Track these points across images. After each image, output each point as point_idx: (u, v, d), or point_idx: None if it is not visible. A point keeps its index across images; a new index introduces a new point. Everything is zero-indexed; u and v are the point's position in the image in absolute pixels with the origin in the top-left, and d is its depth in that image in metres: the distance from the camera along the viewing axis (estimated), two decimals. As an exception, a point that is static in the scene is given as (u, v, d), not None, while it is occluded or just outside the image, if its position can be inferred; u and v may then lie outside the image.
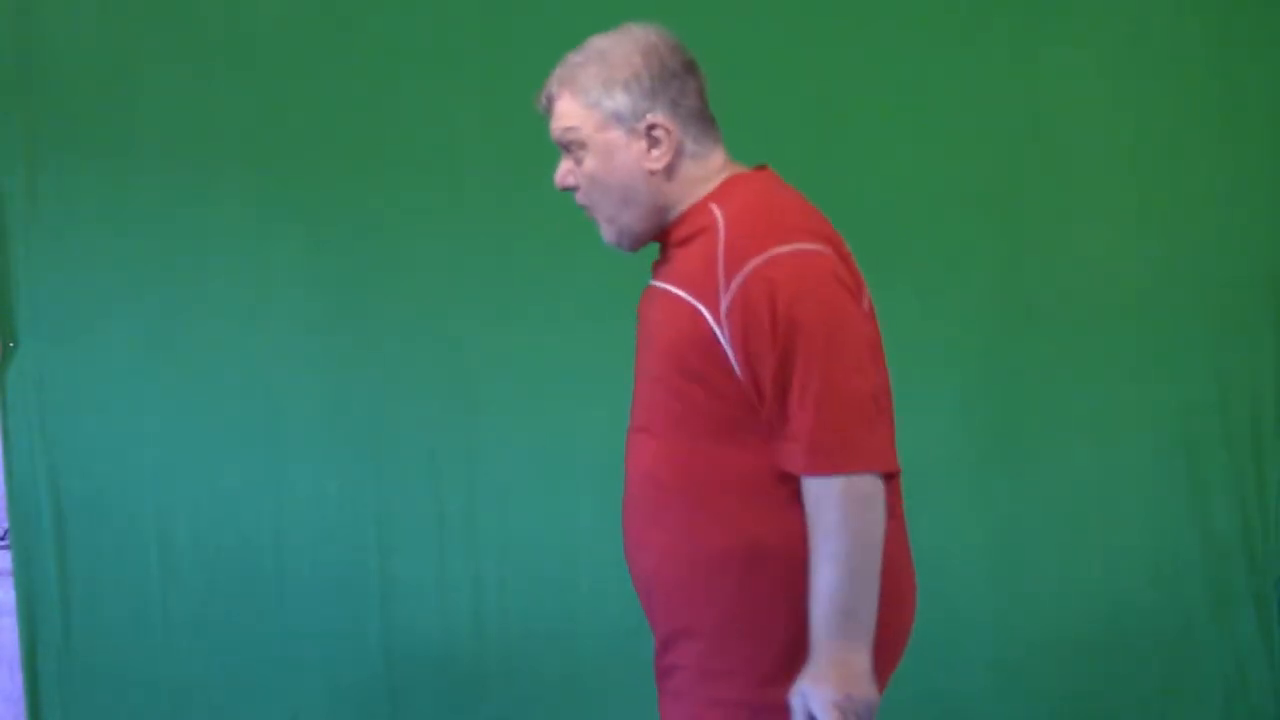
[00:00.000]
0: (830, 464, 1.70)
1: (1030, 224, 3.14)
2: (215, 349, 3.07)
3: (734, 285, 1.72)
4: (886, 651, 1.80)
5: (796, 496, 1.75)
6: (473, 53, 3.07)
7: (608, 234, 1.90)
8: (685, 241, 1.84)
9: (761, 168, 1.93)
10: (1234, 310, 3.13)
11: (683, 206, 1.85)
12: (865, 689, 1.71)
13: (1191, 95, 3.11)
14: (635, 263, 1.99)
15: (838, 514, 1.69)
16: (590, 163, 1.85)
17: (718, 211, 1.81)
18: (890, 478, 1.76)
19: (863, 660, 1.70)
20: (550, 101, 1.87)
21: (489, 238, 3.05)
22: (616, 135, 1.83)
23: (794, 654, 1.75)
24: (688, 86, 1.85)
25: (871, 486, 1.71)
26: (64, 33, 3.03)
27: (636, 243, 1.90)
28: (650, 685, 1.99)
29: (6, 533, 3.12)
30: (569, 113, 1.84)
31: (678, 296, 1.79)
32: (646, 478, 1.87)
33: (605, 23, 3.03)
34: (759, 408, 1.75)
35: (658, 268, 1.91)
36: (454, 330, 3.10)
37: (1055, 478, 3.14)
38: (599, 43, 1.86)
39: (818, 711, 1.69)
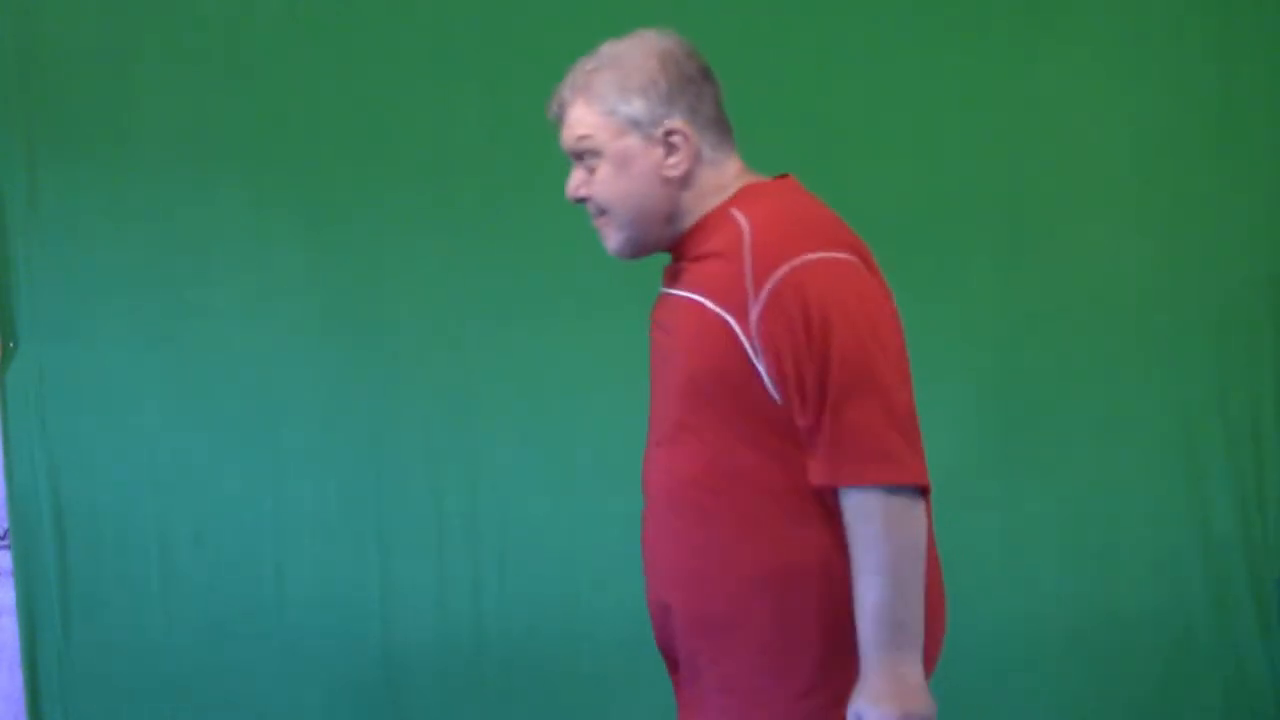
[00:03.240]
0: (868, 474, 1.65)
1: (1030, 224, 3.14)
2: (215, 349, 3.08)
3: (764, 293, 1.66)
4: (928, 664, 1.76)
5: (828, 509, 1.70)
6: (472, 53, 3.07)
7: (614, 242, 1.84)
8: (706, 248, 1.78)
9: (784, 177, 1.87)
10: (1234, 310, 3.13)
11: (697, 214, 1.80)
12: (922, 702, 1.66)
13: (1191, 95, 3.11)
14: (635, 262, 1.98)
15: (881, 524, 1.64)
16: (605, 171, 1.79)
17: (742, 219, 1.74)
18: (926, 492, 1.72)
19: (916, 672, 1.65)
20: (563, 109, 1.82)
21: (489, 238, 3.05)
22: (633, 142, 1.77)
23: (829, 668, 1.72)
24: (704, 92, 1.80)
25: (911, 498, 1.67)
26: (64, 33, 3.03)
27: (642, 252, 1.85)
28: (650, 685, 1.99)
29: (6, 533, 3.12)
30: (583, 120, 1.79)
31: (702, 305, 1.72)
32: (670, 496, 1.81)
33: (604, 23, 3.03)
34: (793, 419, 1.69)
35: (674, 275, 1.85)
36: (454, 330, 3.10)
37: (1056, 478, 3.14)
38: (613, 48, 1.81)
39: None
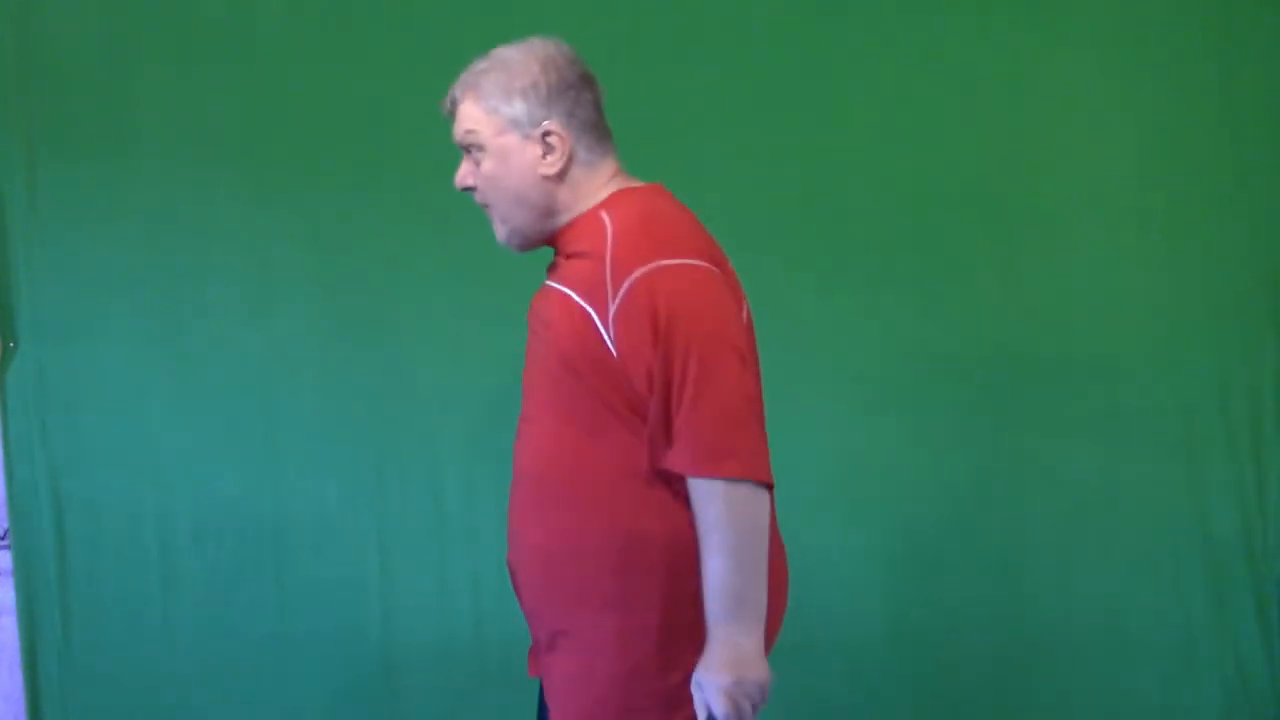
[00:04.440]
0: (711, 467, 1.77)
1: (1030, 223, 3.14)
2: (215, 349, 3.08)
3: (621, 291, 1.81)
4: (769, 638, 1.88)
5: (675, 492, 1.84)
6: (472, 53, 3.06)
7: (500, 233, 2.01)
8: (576, 247, 1.92)
9: (655, 184, 1.99)
10: (1234, 310, 3.13)
11: (573, 212, 1.95)
12: (756, 670, 1.78)
13: (1191, 95, 3.11)
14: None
15: (723, 507, 1.77)
16: (488, 165, 1.95)
17: (607, 220, 1.89)
18: (767, 487, 1.82)
19: (753, 642, 1.78)
20: (454, 105, 1.98)
21: (489, 237, 3.04)
22: (513, 140, 1.93)
23: (668, 642, 1.85)
24: (583, 98, 1.95)
25: (752, 488, 1.79)
26: (64, 33, 3.03)
27: (526, 243, 2.01)
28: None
29: (6, 533, 3.12)
30: (470, 116, 1.95)
31: (569, 297, 1.87)
32: (528, 471, 1.96)
33: (604, 23, 3.06)
34: (642, 408, 1.83)
35: (552, 270, 1.99)
36: (454, 330, 3.10)
37: (1055, 478, 3.14)
38: (502, 52, 1.97)
39: (710, 699, 1.76)
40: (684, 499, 1.82)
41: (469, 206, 3.04)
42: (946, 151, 3.10)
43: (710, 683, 1.77)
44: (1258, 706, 3.14)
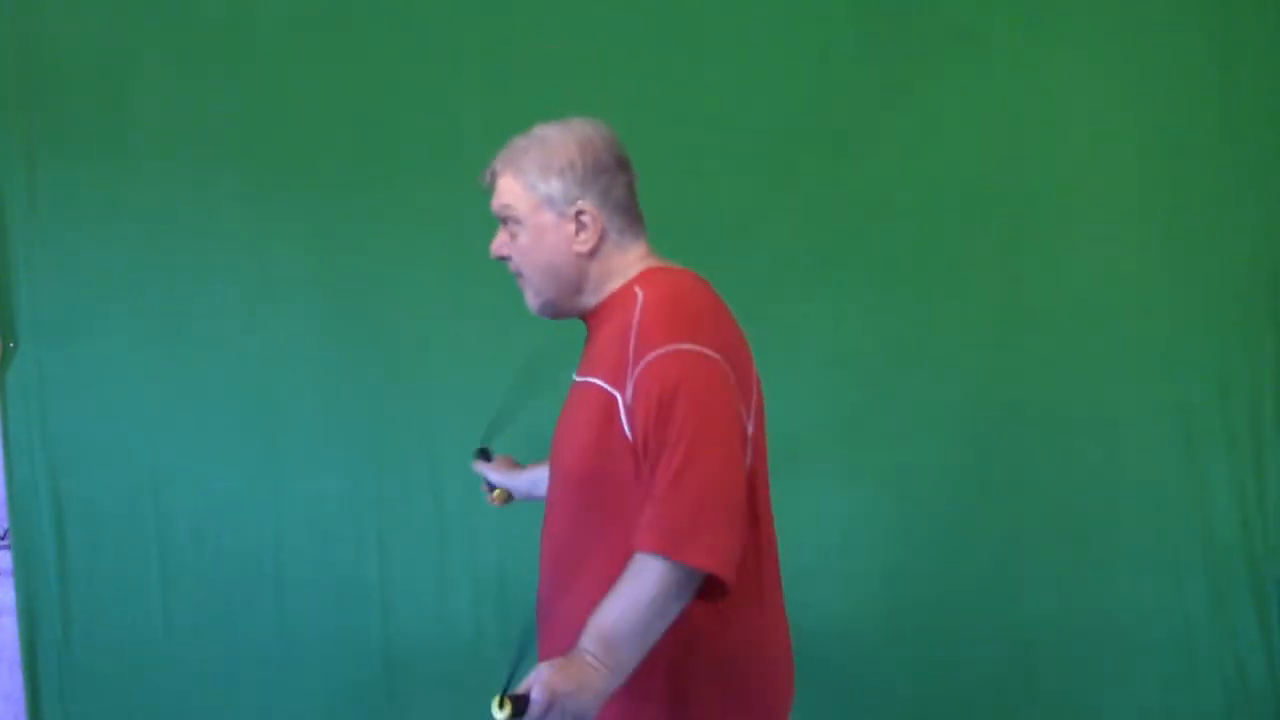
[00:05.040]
0: (662, 545, 1.76)
1: (1030, 224, 3.14)
2: (215, 349, 3.08)
3: (638, 370, 1.84)
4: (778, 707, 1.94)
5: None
6: (473, 53, 3.07)
7: (533, 303, 2.05)
8: (608, 314, 1.97)
9: (688, 269, 2.02)
10: (1234, 310, 3.13)
11: (603, 288, 1.99)
12: (587, 702, 1.76)
13: (1191, 95, 3.11)
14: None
15: (653, 582, 1.76)
16: (523, 238, 2.00)
17: (640, 295, 1.93)
18: (716, 584, 1.80)
19: (598, 683, 1.76)
20: (493, 178, 2.04)
21: (489, 237, 3.03)
22: (548, 217, 1.98)
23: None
24: (617, 180, 1.99)
25: (687, 583, 1.77)
26: (64, 33, 3.03)
27: (557, 314, 2.05)
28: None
29: (6, 533, 3.12)
30: (508, 191, 2.01)
31: (598, 387, 1.91)
32: (555, 552, 2.02)
33: (604, 26, 3.06)
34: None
35: (583, 354, 2.04)
36: (454, 330, 3.10)
37: (1055, 478, 3.14)
38: (542, 130, 2.01)
39: (535, 689, 1.75)
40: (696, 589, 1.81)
41: (469, 207, 3.07)
42: (946, 151, 3.10)
43: (549, 673, 1.76)
44: (1258, 706, 3.14)
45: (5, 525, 3.14)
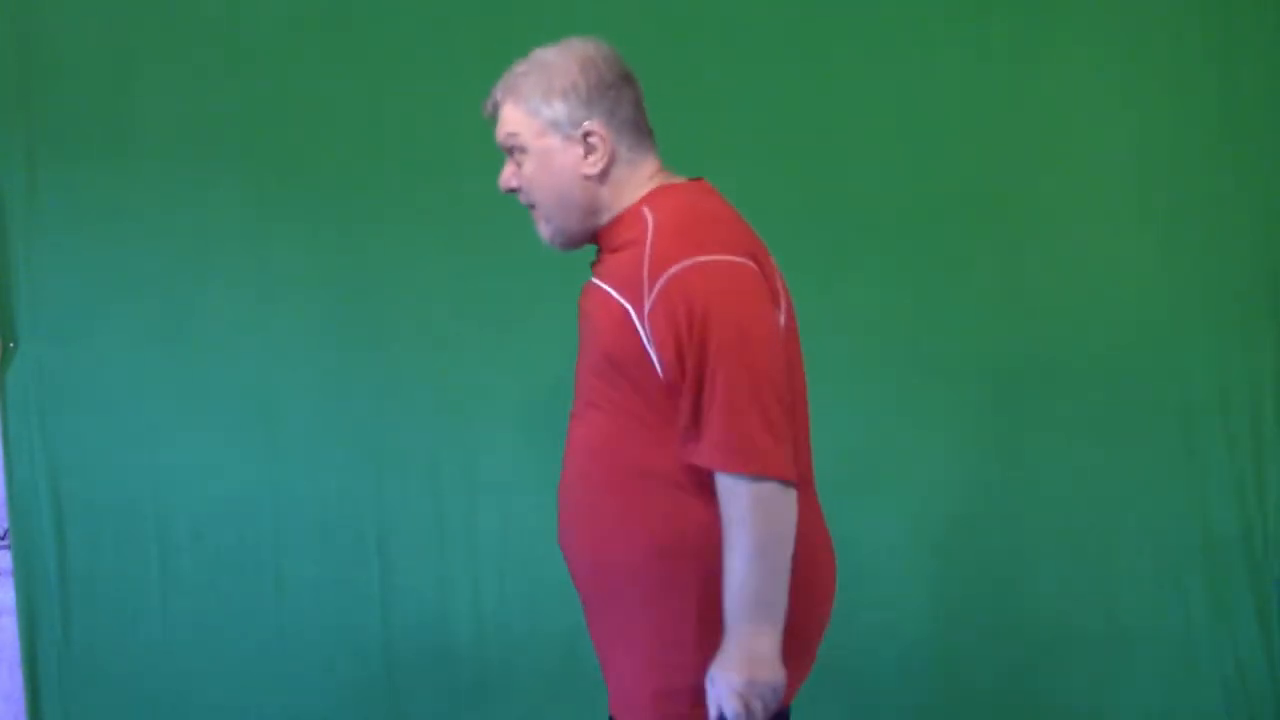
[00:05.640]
0: (736, 463, 1.79)
1: (1030, 224, 3.14)
2: (215, 349, 3.08)
3: (656, 288, 1.82)
4: (798, 639, 1.89)
5: (711, 488, 1.84)
6: (473, 53, 3.06)
7: (544, 232, 2.01)
8: (618, 241, 1.94)
9: (697, 180, 2.00)
10: (1234, 310, 3.13)
11: (616, 209, 1.96)
12: (770, 672, 1.80)
13: (1191, 95, 3.11)
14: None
15: (746, 508, 1.79)
16: (530, 167, 1.96)
17: (649, 215, 1.91)
18: (791, 485, 1.83)
19: (769, 644, 1.79)
20: (495, 108, 1.99)
21: (489, 237, 3.05)
22: (554, 141, 1.94)
23: (703, 636, 1.86)
24: (623, 97, 1.95)
25: (777, 487, 1.80)
26: (64, 33, 3.03)
27: (571, 242, 2.01)
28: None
29: (6, 533, 3.12)
30: (511, 119, 1.96)
31: (609, 294, 1.89)
32: (577, 465, 2.00)
33: (604, 23, 3.05)
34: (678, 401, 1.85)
35: (595, 267, 2.01)
36: (454, 330, 3.10)
37: (1055, 478, 3.14)
38: (541, 54, 1.97)
39: (722, 698, 1.78)
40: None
41: (469, 207, 3.08)
42: (946, 151, 3.10)
43: (724, 680, 1.79)
44: (1258, 706, 3.14)
45: (5, 525, 3.14)
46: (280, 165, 3.06)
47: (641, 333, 1.84)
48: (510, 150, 1.99)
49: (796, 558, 1.84)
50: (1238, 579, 3.14)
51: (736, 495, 1.79)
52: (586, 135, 1.92)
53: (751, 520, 1.78)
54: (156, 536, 3.09)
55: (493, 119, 2.00)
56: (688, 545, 1.87)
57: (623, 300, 1.86)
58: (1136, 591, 3.14)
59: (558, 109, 1.92)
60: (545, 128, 1.93)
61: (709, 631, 1.86)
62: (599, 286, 1.94)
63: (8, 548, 3.11)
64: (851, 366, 3.08)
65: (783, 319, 1.92)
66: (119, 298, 3.06)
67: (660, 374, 1.85)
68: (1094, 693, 3.15)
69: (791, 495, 1.82)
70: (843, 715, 3.08)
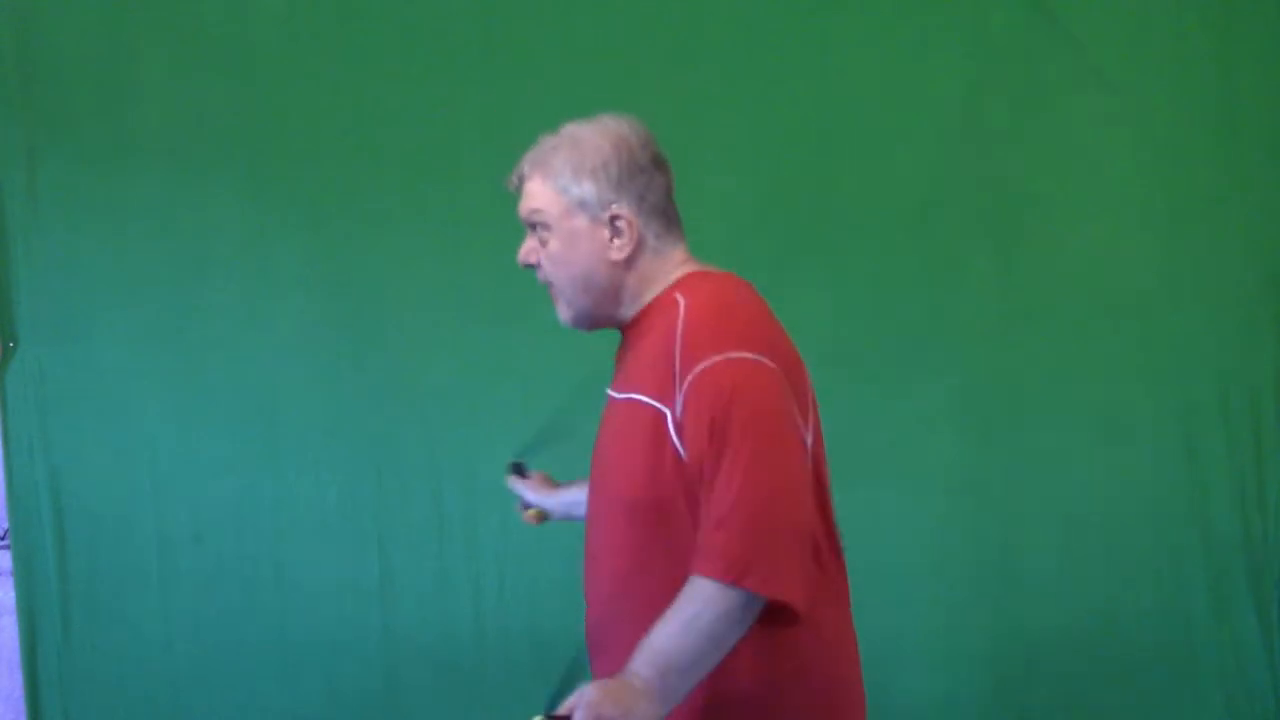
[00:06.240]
0: (725, 571, 1.67)
1: (1031, 224, 3.14)
2: (215, 349, 3.08)
3: (688, 381, 1.73)
4: None
5: (755, 635, 1.73)
6: (472, 53, 3.07)
7: (564, 314, 1.92)
8: (649, 324, 1.86)
9: (730, 273, 1.92)
10: (1234, 310, 3.12)
11: (641, 297, 1.88)
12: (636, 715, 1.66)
13: (1191, 95, 3.11)
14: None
15: (712, 608, 1.68)
16: (554, 245, 1.87)
17: (682, 302, 1.82)
18: (783, 607, 1.71)
19: (646, 708, 1.65)
20: (521, 181, 1.89)
21: (489, 238, 3.03)
22: (581, 222, 1.85)
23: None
24: (654, 182, 1.86)
25: (748, 609, 1.69)
26: (64, 33, 3.03)
27: (591, 326, 1.93)
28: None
29: (6, 533, 3.12)
30: (538, 195, 1.86)
31: (643, 403, 1.79)
32: (607, 592, 1.90)
33: (603, 23, 3.05)
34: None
35: (618, 366, 1.94)
36: (454, 331, 3.10)
37: (1055, 478, 3.13)
38: (574, 130, 1.88)
39: (579, 712, 1.64)
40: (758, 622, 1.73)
41: (468, 207, 3.08)
42: (946, 151, 3.10)
43: (594, 699, 1.64)
44: (1258, 706, 3.14)
45: (5, 525, 3.14)
46: (280, 165, 3.06)
47: (675, 441, 1.74)
48: (533, 225, 1.89)
49: (832, 670, 1.83)
50: (1238, 579, 3.14)
51: (706, 594, 1.68)
52: (614, 219, 1.84)
53: (712, 618, 1.67)
54: (156, 536, 3.09)
55: (517, 191, 1.91)
56: (733, 710, 1.77)
57: (655, 403, 1.77)
58: (1136, 591, 3.14)
59: (586, 189, 1.83)
60: (573, 207, 1.84)
61: None
62: (624, 399, 1.85)
63: (8, 548, 3.11)
64: (849, 365, 3.08)
65: (809, 436, 1.82)
66: (119, 297, 3.07)
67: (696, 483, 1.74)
68: (1094, 693, 3.14)
69: (752, 611, 1.70)
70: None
